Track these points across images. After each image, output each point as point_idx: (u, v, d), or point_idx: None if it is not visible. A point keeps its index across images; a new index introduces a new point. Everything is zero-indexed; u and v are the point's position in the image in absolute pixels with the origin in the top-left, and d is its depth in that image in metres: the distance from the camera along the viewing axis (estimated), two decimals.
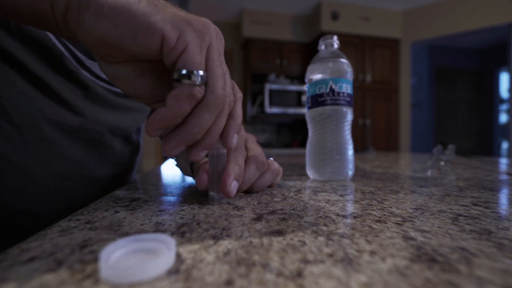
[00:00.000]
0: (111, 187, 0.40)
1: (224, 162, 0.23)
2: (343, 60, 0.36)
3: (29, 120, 0.29)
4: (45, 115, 0.30)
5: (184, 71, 0.17)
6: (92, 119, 0.34)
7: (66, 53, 0.31)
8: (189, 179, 0.37)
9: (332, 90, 0.35)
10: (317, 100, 0.36)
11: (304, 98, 3.10)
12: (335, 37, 0.37)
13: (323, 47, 0.38)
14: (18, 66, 0.28)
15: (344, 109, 0.35)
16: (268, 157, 0.30)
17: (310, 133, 0.38)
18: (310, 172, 0.38)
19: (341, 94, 0.35)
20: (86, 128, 0.34)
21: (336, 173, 0.35)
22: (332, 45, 0.37)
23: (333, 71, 0.35)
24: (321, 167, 0.36)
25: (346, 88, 0.35)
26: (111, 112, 0.37)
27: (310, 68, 0.37)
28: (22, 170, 0.29)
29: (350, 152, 0.36)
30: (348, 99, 0.36)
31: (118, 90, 0.37)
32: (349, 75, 0.36)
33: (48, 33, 0.29)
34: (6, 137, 0.28)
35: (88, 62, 0.33)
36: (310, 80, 0.37)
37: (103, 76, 0.34)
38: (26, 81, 0.29)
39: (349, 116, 0.36)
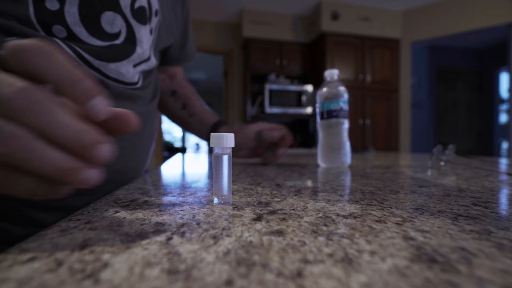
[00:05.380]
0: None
1: (228, 164, 0.23)
2: (342, 87, 0.55)
3: None
4: None
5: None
6: None
7: (73, 54, 0.32)
8: (189, 179, 0.37)
9: (341, 107, 0.54)
10: (331, 114, 0.55)
11: (304, 98, 3.10)
12: (336, 71, 0.56)
13: (328, 78, 0.56)
14: None
15: (344, 120, 0.54)
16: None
17: (320, 135, 0.56)
18: (320, 162, 0.56)
19: (341, 111, 0.54)
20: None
21: (338, 162, 0.54)
22: (334, 76, 0.56)
23: (337, 95, 0.54)
24: (329, 158, 0.55)
25: (347, 106, 0.55)
26: (123, 102, 0.39)
27: (320, 91, 0.57)
28: None
29: (348, 147, 0.55)
30: (347, 113, 0.55)
31: (126, 87, 0.41)
32: (347, 96, 0.55)
33: (55, 38, 0.31)
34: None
35: (96, 63, 0.35)
36: (325, 98, 0.56)
37: (111, 74, 0.38)
38: None
39: (346, 124, 0.55)
